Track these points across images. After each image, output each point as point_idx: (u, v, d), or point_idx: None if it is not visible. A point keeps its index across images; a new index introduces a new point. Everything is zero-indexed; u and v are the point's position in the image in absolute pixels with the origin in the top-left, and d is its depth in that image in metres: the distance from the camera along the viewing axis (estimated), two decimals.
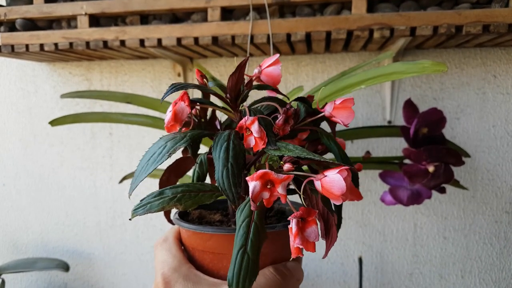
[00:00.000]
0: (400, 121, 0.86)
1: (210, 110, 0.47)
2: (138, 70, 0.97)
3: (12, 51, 0.81)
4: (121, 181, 0.83)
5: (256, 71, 0.44)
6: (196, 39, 0.73)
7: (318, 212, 0.38)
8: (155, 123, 0.75)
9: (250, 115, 0.37)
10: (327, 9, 0.71)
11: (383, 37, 0.68)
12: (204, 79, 0.43)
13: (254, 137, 0.36)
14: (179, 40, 0.74)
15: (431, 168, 0.64)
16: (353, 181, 0.38)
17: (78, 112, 0.96)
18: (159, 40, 0.74)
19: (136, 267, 1.03)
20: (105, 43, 0.77)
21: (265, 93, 0.50)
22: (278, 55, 0.44)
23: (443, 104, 0.86)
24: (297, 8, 0.72)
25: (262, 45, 0.75)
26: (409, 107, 0.69)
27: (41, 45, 0.79)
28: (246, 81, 0.42)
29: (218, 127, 0.47)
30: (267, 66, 0.44)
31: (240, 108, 0.42)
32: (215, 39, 0.73)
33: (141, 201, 0.39)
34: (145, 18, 0.78)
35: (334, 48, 0.81)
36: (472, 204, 0.88)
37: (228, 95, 0.41)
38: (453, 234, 0.89)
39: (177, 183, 0.41)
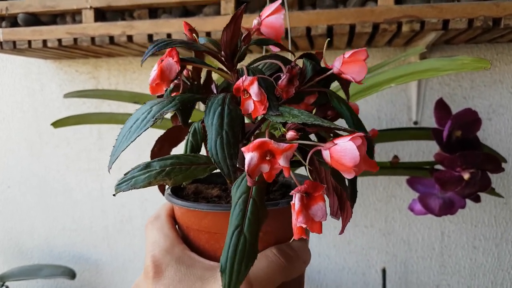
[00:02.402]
0: (427, 121, 0.80)
1: (204, 71, 0.41)
2: (148, 67, 0.92)
3: (14, 47, 0.76)
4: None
5: (255, 22, 0.38)
6: (208, 34, 0.68)
7: (329, 187, 0.33)
8: (164, 124, 0.70)
9: (248, 75, 0.32)
10: (351, 0, 0.65)
11: (412, 30, 0.63)
12: (194, 34, 0.37)
13: (253, 100, 0.31)
14: None
15: (466, 176, 0.58)
16: (368, 152, 0.33)
17: (84, 112, 0.91)
18: (169, 35, 0.69)
19: None
20: (111, 38, 0.72)
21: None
22: (280, 1, 0.37)
23: (473, 103, 0.80)
24: None
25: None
26: (441, 107, 0.63)
27: (44, 41, 0.75)
28: (243, 35, 0.36)
29: (215, 91, 0.42)
30: (267, 15, 0.38)
31: (237, 68, 0.37)
32: None
33: (125, 175, 0.35)
34: (154, 12, 0.73)
35: (357, 43, 0.75)
36: (505, 211, 0.81)
37: (223, 52, 0.36)
38: (484, 243, 0.83)
39: (167, 155, 0.37)
